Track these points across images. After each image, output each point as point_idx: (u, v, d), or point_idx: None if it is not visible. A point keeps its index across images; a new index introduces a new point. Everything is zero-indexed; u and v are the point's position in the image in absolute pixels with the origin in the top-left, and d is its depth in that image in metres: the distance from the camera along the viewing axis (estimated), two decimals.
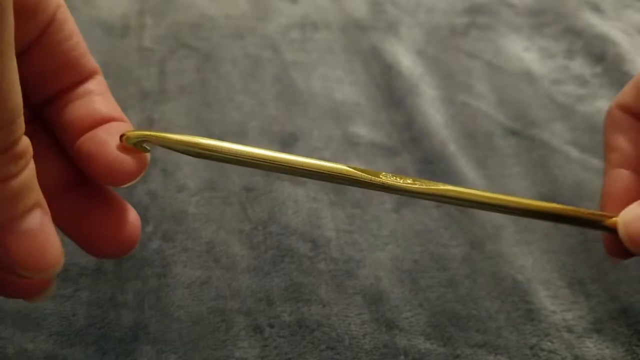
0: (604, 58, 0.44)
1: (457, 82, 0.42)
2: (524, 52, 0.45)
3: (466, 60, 0.44)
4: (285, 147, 0.36)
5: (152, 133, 0.19)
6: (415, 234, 0.32)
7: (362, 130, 0.38)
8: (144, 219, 0.31)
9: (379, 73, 0.43)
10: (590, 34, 0.46)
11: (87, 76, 0.21)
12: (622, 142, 0.24)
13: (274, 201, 0.33)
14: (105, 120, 0.20)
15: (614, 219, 0.23)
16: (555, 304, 0.29)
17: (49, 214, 0.17)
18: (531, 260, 0.31)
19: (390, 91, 0.41)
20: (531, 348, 0.27)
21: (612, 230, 0.23)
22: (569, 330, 0.28)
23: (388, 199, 0.33)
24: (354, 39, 0.46)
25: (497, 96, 0.41)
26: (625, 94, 0.25)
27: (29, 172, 0.16)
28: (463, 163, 0.36)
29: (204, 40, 0.45)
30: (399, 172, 0.35)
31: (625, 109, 0.25)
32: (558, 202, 0.34)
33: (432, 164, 0.36)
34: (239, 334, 0.27)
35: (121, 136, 0.19)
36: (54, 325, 0.27)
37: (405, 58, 0.44)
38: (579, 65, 0.44)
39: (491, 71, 0.43)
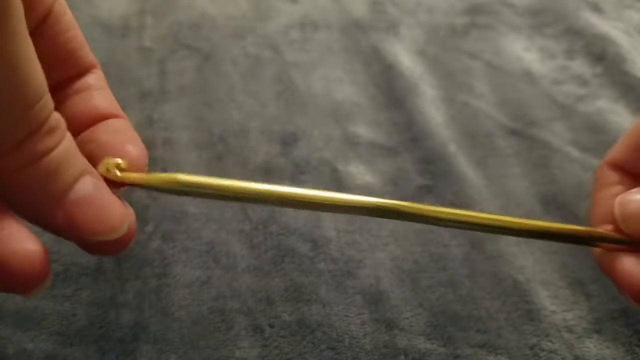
0: (604, 58, 0.44)
1: (457, 82, 0.42)
2: (524, 52, 0.45)
3: (466, 60, 0.44)
4: (285, 146, 0.36)
5: (133, 175, 0.18)
6: (416, 234, 0.32)
7: (363, 130, 0.38)
8: (144, 219, 0.31)
9: (379, 73, 0.43)
10: (591, 33, 0.46)
11: (85, 70, 0.21)
12: (607, 199, 0.24)
13: None
14: (103, 117, 0.20)
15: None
16: (556, 304, 0.29)
17: (101, 179, 0.18)
18: (531, 261, 0.31)
19: (391, 91, 0.41)
20: (531, 348, 0.27)
21: (614, 241, 0.22)
22: (569, 330, 0.28)
23: (388, 198, 0.33)
24: (354, 39, 0.46)
25: (497, 96, 0.41)
26: (616, 150, 0.25)
27: (67, 143, 0.17)
28: (463, 163, 0.36)
29: (204, 40, 0.45)
30: (399, 171, 0.35)
31: (614, 165, 0.25)
32: (558, 202, 0.34)
33: (432, 163, 0.36)
34: (239, 333, 0.27)
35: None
36: (54, 324, 0.27)
37: (405, 58, 0.44)
38: (579, 65, 0.44)
39: (491, 71, 0.43)
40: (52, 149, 0.16)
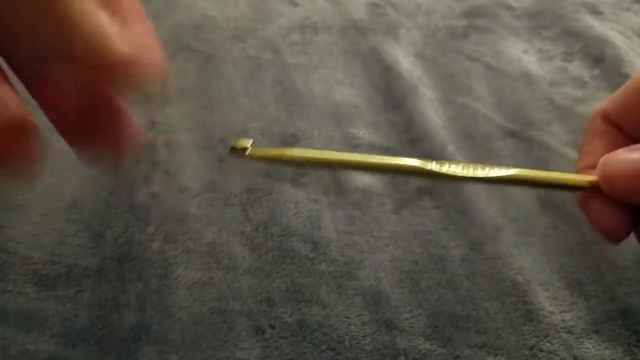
0: (602, 60, 0.44)
1: (456, 84, 0.42)
2: (522, 54, 0.46)
3: (465, 62, 0.45)
4: (286, 147, 0.36)
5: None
6: (415, 235, 0.32)
7: (362, 132, 0.38)
8: (146, 220, 0.31)
9: (379, 75, 0.43)
10: (589, 36, 0.46)
11: None
12: (597, 148, 0.25)
13: (274, 203, 0.33)
14: None
15: (590, 178, 0.24)
16: (554, 304, 0.29)
17: None
18: (530, 261, 0.31)
19: (390, 93, 0.41)
20: (530, 349, 0.27)
21: (589, 188, 0.23)
22: (568, 331, 0.28)
23: (388, 200, 0.34)
24: (353, 41, 0.46)
25: (496, 98, 0.41)
26: (609, 102, 0.25)
27: None
28: None
29: (205, 42, 0.45)
30: None
31: (606, 118, 0.25)
32: (556, 203, 0.35)
33: None
34: (240, 334, 0.27)
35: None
36: (56, 326, 0.27)
37: (404, 60, 0.44)
38: (578, 67, 0.44)
39: (490, 73, 0.44)
40: None
